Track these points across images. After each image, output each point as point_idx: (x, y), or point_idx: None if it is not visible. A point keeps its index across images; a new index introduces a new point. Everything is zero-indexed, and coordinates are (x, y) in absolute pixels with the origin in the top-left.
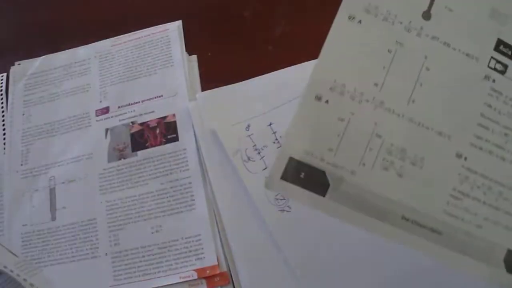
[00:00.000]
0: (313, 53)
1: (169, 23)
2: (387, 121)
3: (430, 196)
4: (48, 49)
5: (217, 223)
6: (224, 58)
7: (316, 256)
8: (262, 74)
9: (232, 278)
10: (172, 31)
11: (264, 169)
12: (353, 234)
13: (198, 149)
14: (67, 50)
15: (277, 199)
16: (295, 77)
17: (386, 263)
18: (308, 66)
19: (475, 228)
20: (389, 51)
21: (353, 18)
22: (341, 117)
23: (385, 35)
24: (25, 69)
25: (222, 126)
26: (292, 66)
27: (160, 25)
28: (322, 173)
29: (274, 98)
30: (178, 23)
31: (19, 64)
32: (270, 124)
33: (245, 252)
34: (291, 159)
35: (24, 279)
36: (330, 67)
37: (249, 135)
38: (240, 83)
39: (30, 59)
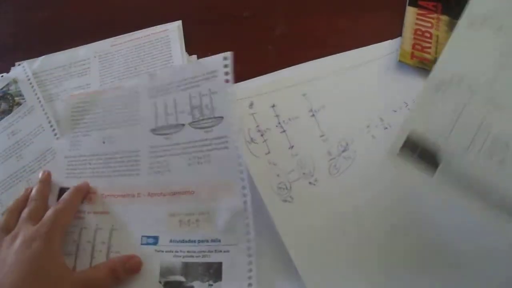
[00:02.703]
0: (312, 53)
1: (169, 23)
2: (495, 115)
3: None
4: (48, 49)
5: None
6: None
7: (317, 247)
8: (262, 74)
9: None
10: (172, 31)
11: (267, 153)
12: (354, 227)
13: None
14: (67, 50)
15: (280, 188)
16: (296, 76)
17: (385, 251)
18: (307, 66)
19: None
20: (501, 54)
21: (472, 25)
22: (455, 107)
23: (498, 43)
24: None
25: None
26: (293, 66)
27: (160, 25)
28: (433, 155)
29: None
30: (178, 23)
31: (19, 64)
32: (273, 106)
33: None
34: (408, 139)
35: None
36: (450, 64)
37: (252, 114)
38: (240, 83)
39: (30, 59)
